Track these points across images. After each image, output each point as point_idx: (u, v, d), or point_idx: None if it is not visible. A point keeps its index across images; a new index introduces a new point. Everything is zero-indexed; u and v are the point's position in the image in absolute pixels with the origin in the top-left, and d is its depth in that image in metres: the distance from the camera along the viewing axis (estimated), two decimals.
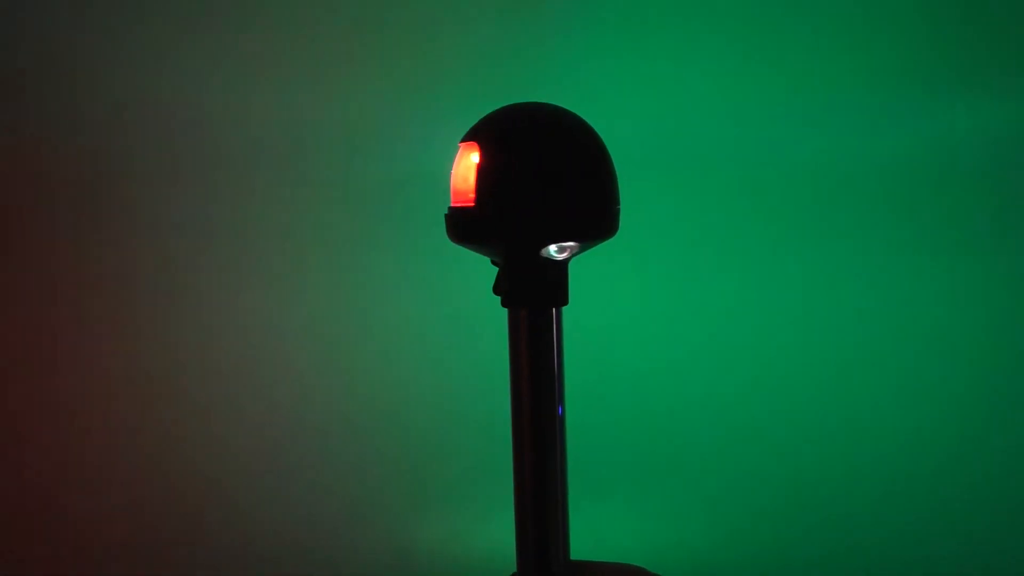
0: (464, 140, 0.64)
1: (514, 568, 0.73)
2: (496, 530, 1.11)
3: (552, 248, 0.64)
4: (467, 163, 0.62)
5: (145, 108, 1.13)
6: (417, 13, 1.12)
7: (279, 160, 1.13)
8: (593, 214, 0.64)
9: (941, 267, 1.12)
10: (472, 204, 0.62)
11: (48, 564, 1.09)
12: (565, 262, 0.65)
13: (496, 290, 0.66)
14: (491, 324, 1.08)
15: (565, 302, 0.66)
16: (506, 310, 0.67)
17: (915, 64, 1.09)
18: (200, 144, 1.12)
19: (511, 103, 0.68)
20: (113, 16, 1.12)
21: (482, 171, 0.61)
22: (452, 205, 0.65)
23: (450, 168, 0.65)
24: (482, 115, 0.66)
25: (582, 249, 0.65)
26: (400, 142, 1.11)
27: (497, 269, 0.66)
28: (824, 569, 1.11)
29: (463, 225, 0.64)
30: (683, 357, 1.15)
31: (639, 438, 1.14)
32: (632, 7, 1.10)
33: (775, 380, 1.15)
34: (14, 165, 1.14)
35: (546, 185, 0.61)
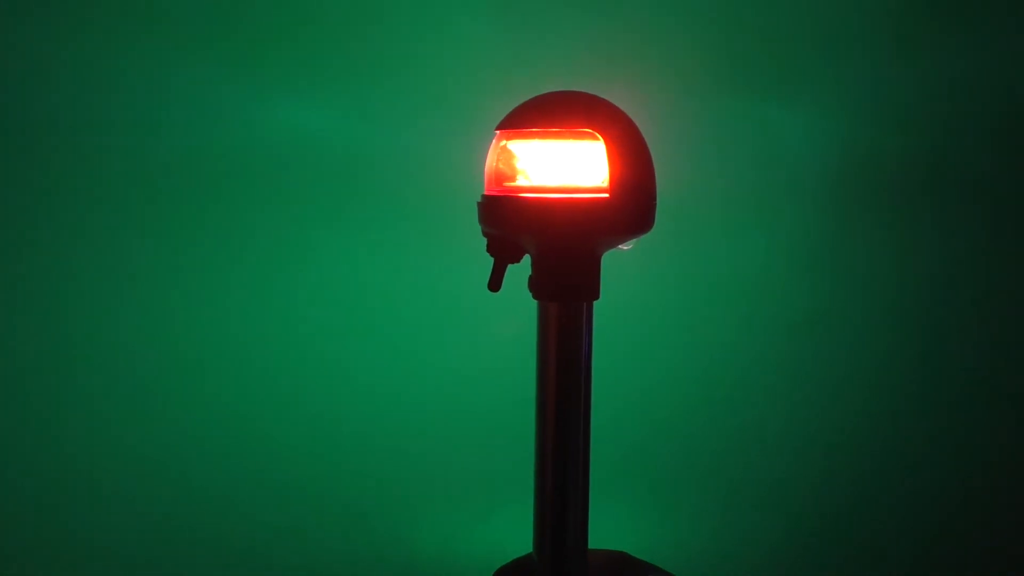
0: (572, 125, 0.60)
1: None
2: (497, 529, 1.11)
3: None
4: (590, 151, 0.60)
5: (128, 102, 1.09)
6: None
7: (279, 158, 1.12)
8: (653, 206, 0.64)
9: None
10: (608, 194, 0.60)
11: (45, 564, 1.09)
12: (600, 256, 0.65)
13: (494, 286, 0.65)
14: (492, 321, 1.08)
15: (597, 296, 0.65)
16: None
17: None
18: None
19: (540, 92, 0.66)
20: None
21: (616, 162, 0.59)
22: (574, 194, 0.61)
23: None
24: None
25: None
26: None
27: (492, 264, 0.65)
28: (828, 569, 1.10)
29: (597, 215, 0.61)
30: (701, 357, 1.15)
31: (655, 435, 1.14)
32: None
33: (792, 382, 1.15)
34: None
35: (653, 175, 0.63)
